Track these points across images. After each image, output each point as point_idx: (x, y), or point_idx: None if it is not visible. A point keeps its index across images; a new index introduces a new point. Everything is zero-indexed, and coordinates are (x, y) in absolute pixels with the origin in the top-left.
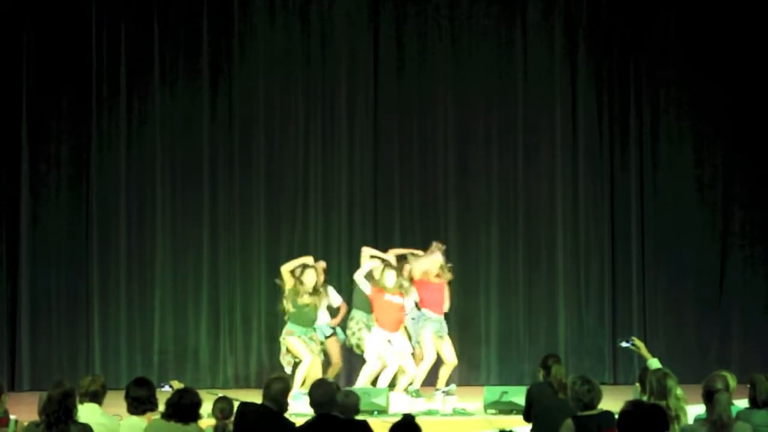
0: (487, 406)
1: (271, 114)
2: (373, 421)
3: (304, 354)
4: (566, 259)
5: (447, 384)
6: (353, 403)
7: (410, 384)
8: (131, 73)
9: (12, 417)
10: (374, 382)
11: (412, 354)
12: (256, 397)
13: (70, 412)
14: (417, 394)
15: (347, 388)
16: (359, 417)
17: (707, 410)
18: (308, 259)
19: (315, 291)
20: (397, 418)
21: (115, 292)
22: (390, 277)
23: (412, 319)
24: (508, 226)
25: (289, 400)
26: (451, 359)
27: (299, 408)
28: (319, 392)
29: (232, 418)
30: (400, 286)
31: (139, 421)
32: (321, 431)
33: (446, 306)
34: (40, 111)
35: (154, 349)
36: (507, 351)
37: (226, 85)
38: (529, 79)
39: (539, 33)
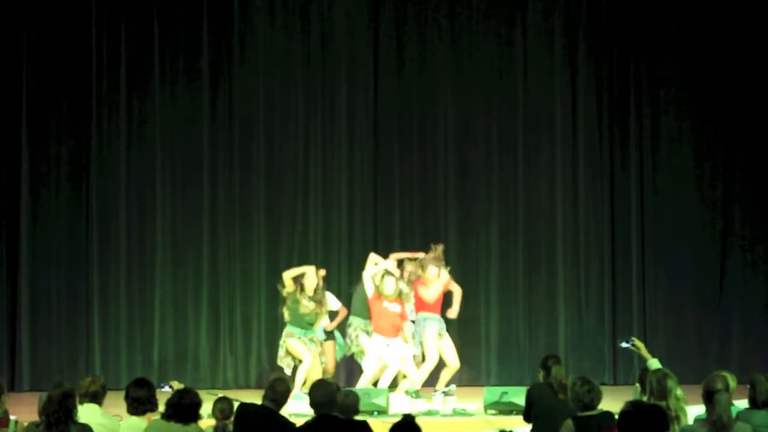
0: (487, 406)
1: (271, 114)
2: (373, 422)
3: (304, 355)
4: (566, 258)
5: (447, 385)
6: (353, 404)
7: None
8: (131, 73)
9: (12, 417)
10: (375, 384)
11: (414, 355)
12: (255, 397)
13: (70, 413)
14: (416, 394)
15: (347, 389)
16: (359, 417)
17: (707, 411)
18: (310, 268)
19: (316, 298)
20: (397, 419)
21: (115, 292)
22: (389, 284)
23: (412, 321)
24: (508, 226)
25: (289, 400)
26: (453, 362)
27: (299, 408)
28: (319, 392)
29: (232, 419)
30: (399, 294)
31: (139, 422)
32: (321, 431)
33: (454, 311)
34: (40, 111)
35: (154, 349)
36: (507, 351)
37: (226, 85)
38: (529, 79)
39: (539, 33)
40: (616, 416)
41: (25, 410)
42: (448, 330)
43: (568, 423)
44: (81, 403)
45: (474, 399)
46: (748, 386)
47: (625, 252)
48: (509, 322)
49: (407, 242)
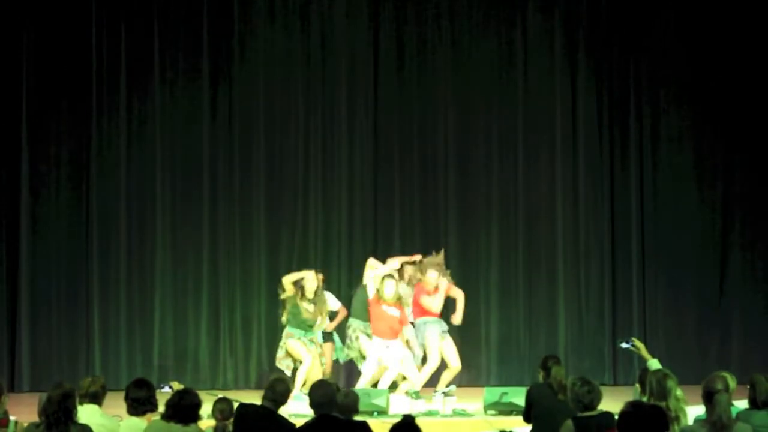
0: (487, 407)
1: (271, 114)
2: (373, 422)
3: (304, 355)
4: (566, 259)
5: (447, 386)
6: (353, 404)
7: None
8: (131, 73)
9: (12, 418)
10: (375, 386)
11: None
12: (255, 398)
13: (69, 413)
14: (416, 395)
15: (347, 389)
16: (359, 417)
17: (707, 411)
18: (309, 273)
19: (316, 300)
20: (397, 419)
21: (115, 293)
22: (389, 288)
23: (411, 323)
24: (508, 226)
25: (289, 400)
26: (455, 364)
27: (299, 409)
28: (319, 393)
29: (232, 419)
30: (398, 298)
31: (139, 422)
32: (321, 431)
33: (458, 318)
34: (40, 111)
35: (154, 350)
36: (507, 351)
37: (226, 85)
38: (529, 79)
39: (539, 33)
40: (616, 417)
41: (25, 410)
42: (448, 330)
43: (568, 423)
44: (81, 403)
45: (474, 399)
46: (748, 386)
47: (625, 252)
48: (509, 322)
49: (407, 242)
